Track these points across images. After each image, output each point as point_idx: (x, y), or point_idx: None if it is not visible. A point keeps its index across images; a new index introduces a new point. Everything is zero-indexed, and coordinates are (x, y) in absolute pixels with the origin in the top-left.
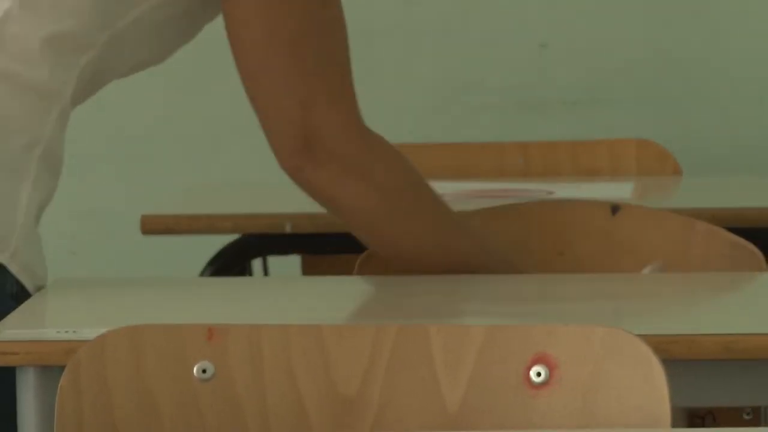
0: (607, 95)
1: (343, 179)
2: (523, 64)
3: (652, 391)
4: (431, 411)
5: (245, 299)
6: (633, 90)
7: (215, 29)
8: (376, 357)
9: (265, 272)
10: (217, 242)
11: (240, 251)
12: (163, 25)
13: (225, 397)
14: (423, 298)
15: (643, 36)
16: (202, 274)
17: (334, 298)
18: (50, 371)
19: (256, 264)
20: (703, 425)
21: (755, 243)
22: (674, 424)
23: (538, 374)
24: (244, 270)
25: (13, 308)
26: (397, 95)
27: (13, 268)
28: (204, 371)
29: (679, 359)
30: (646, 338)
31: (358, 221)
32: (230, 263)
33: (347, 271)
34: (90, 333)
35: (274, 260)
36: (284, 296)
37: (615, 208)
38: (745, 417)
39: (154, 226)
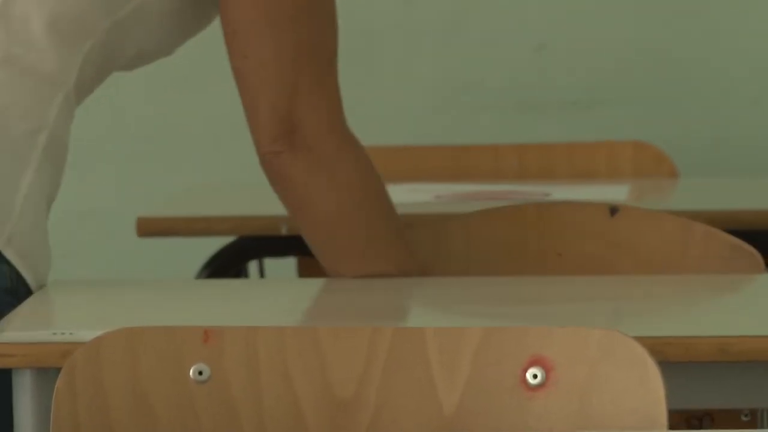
0: (606, 96)
1: (316, 171)
2: (521, 65)
3: (649, 393)
4: (427, 413)
5: (241, 301)
6: (631, 91)
7: (213, 30)
8: (372, 359)
9: (261, 274)
10: (213, 244)
11: (236, 253)
12: (165, 14)
13: (221, 399)
14: (418, 301)
15: (641, 38)
16: (198, 276)
17: (330, 301)
18: (47, 373)
19: (252, 266)
20: (700, 427)
21: (752, 245)
22: (671, 427)
23: (535, 376)
24: (240, 272)
25: (8, 302)
26: (396, 95)
27: (9, 255)
28: (200, 373)
29: (676, 361)
30: (642, 340)
31: (314, 216)
32: (226, 265)
33: None
34: (86, 335)
35: (270, 262)
36: (280, 298)
37: (614, 210)
38: (743, 419)
39: (149, 228)
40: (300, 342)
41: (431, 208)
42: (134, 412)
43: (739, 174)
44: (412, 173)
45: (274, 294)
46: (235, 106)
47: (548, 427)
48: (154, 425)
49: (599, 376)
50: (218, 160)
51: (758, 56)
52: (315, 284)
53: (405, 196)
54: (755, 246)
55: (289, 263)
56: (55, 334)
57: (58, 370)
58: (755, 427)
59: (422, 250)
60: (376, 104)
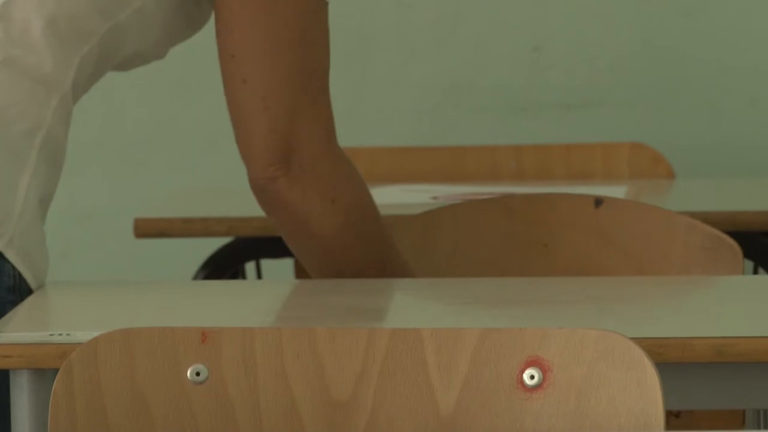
0: (601, 98)
1: (313, 196)
2: (516, 67)
3: (645, 394)
4: (424, 414)
5: (238, 302)
6: (627, 93)
7: (208, 33)
8: (369, 360)
9: (259, 275)
10: (210, 245)
11: (233, 254)
12: (162, 18)
13: (218, 400)
14: (416, 302)
15: (636, 39)
16: (196, 277)
17: (327, 302)
18: (44, 374)
19: (250, 267)
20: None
21: (749, 246)
22: (667, 427)
23: (532, 377)
24: (238, 273)
25: (11, 301)
26: (392, 97)
27: (11, 256)
28: (197, 374)
29: (672, 362)
30: (639, 341)
31: (311, 240)
32: (223, 266)
33: None
34: (83, 336)
35: (267, 263)
36: (277, 299)
37: (598, 201)
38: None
39: (146, 229)
40: (297, 343)
41: (427, 209)
42: (131, 413)
43: (736, 175)
44: (408, 174)
45: (272, 295)
46: None
47: (545, 427)
48: (152, 426)
49: (596, 377)
50: (215, 161)
51: (755, 58)
52: (312, 285)
53: (401, 197)
54: (751, 248)
55: (286, 264)
56: (52, 335)
57: (56, 370)
58: (758, 428)
59: (411, 240)
60: (373, 105)
